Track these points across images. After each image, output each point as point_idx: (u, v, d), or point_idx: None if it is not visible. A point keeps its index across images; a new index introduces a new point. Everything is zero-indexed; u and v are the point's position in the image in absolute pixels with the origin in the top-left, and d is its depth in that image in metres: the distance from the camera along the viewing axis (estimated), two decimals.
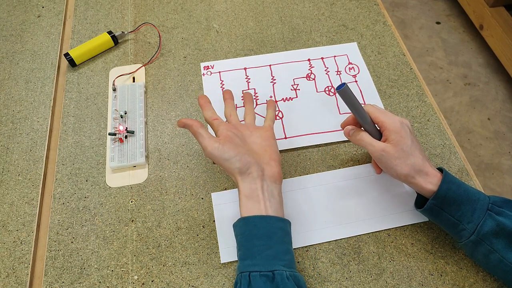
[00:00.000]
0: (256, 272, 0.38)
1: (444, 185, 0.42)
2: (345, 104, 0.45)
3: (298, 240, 0.48)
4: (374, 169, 0.54)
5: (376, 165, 0.53)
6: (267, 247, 0.40)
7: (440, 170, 0.44)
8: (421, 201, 0.46)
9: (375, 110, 0.46)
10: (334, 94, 0.62)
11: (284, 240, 0.42)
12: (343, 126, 0.51)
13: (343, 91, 0.43)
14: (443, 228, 0.46)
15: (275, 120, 0.59)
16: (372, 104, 0.48)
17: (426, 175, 0.43)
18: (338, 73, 0.64)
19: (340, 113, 0.59)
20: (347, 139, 0.56)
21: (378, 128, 0.47)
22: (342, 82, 0.42)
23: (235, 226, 0.43)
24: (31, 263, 0.47)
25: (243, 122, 0.51)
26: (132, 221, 0.50)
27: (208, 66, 0.65)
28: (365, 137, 0.46)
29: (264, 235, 0.40)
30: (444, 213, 0.42)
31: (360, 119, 0.46)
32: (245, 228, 0.41)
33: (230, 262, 0.47)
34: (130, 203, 0.51)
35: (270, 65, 0.65)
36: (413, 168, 0.43)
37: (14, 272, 0.47)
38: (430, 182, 0.42)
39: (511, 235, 0.40)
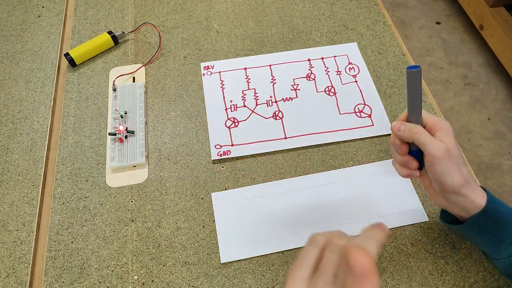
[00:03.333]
0: None
1: (491, 202, 0.39)
2: (408, 90, 0.39)
3: (299, 240, 0.48)
4: (398, 169, 0.43)
5: (402, 166, 0.42)
6: None
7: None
8: (448, 217, 0.43)
9: (423, 111, 0.41)
10: (334, 94, 0.62)
11: None
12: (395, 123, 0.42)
13: (417, 72, 0.37)
14: (476, 245, 0.44)
15: (276, 121, 0.59)
16: None
17: (474, 188, 0.39)
18: (338, 73, 0.64)
19: (340, 113, 0.59)
20: (347, 139, 0.57)
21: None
22: (417, 65, 0.39)
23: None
24: (31, 263, 0.47)
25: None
26: (132, 221, 0.50)
27: (208, 66, 0.65)
28: (425, 132, 0.38)
29: None
30: (486, 232, 0.39)
31: (414, 113, 0.40)
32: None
33: (230, 262, 0.47)
34: (130, 203, 0.51)
35: (270, 65, 0.65)
36: (465, 177, 0.38)
37: (14, 272, 0.47)
38: (481, 197, 0.39)
39: None
